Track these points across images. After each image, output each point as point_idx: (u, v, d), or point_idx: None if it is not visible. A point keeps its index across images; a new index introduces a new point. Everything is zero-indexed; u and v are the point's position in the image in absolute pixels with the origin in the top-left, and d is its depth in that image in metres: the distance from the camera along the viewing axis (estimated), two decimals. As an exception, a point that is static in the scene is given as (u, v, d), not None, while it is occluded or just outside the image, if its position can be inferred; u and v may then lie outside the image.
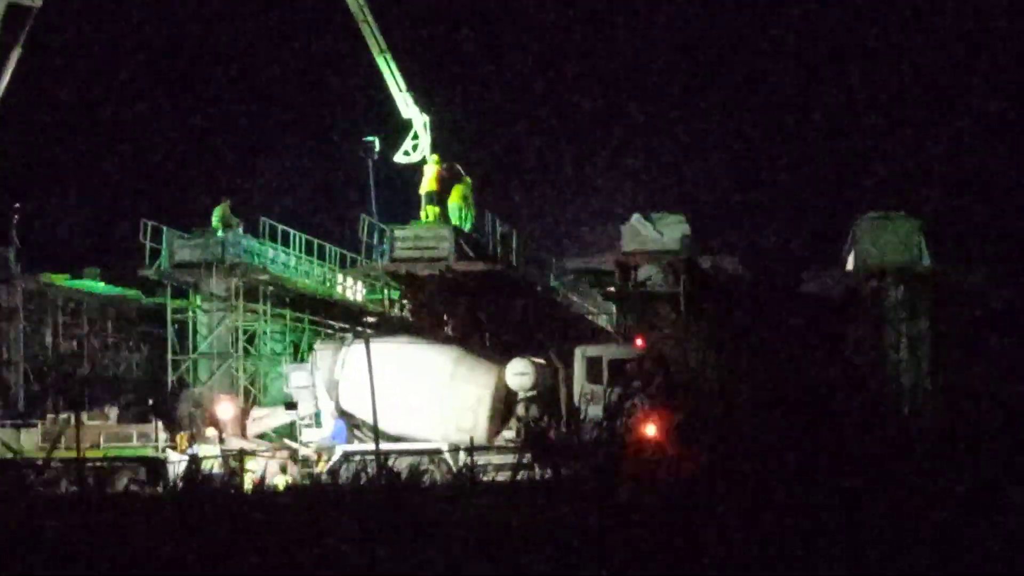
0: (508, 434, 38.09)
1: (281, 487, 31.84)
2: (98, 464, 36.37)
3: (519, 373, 38.53)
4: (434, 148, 46.79)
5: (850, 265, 46.48)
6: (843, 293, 45.76)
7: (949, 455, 14.66)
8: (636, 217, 45.67)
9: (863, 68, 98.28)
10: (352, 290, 53.14)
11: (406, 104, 46.68)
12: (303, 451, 39.37)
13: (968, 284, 45.13)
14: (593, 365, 38.04)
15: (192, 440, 38.66)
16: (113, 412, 40.87)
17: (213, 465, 35.01)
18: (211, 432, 39.82)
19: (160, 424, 39.07)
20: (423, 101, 47.29)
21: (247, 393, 46.25)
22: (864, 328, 44.67)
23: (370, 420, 34.30)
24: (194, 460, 32.35)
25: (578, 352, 38.65)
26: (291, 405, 40.52)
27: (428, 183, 45.79)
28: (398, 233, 45.61)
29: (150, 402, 40.94)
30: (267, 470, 37.45)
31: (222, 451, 38.04)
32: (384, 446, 34.81)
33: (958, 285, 45.09)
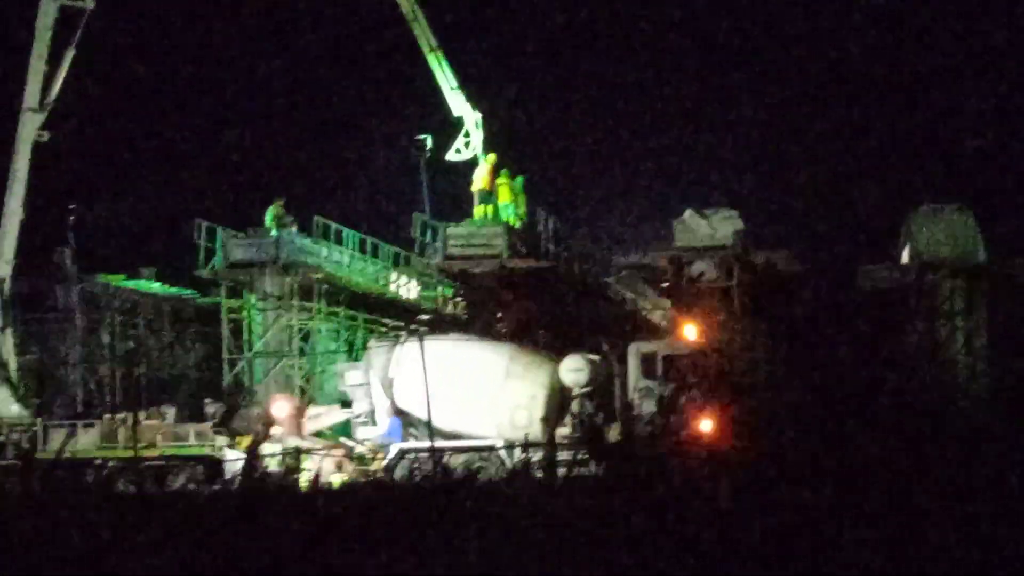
0: (563, 430, 38.11)
1: (337, 485, 32.00)
2: (155, 463, 36.60)
3: (573, 369, 38.53)
4: (486, 146, 46.80)
5: (905, 259, 46.22)
6: (898, 287, 45.50)
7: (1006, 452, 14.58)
8: (689, 212, 45.57)
9: (918, 59, 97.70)
10: (406, 288, 53.23)
11: (457, 102, 46.69)
12: (359, 449, 39.48)
13: (1025, 277, 44.78)
14: (647, 361, 38.04)
15: (255, 444, 38.80)
16: (170, 411, 41.10)
17: (269, 464, 35.21)
18: (277, 430, 39.92)
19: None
20: (474, 98, 47.30)
21: (302, 392, 46.40)
22: (920, 322, 44.41)
23: (425, 418, 34.39)
24: (251, 459, 32.53)
25: (632, 348, 38.63)
26: (346, 403, 40.65)
27: (480, 180, 45.83)
28: (451, 231, 45.65)
29: (210, 414, 40.99)
30: (323, 468, 37.56)
31: (253, 449, 38.09)
32: (439, 443, 34.89)
33: (1015, 278, 44.75)
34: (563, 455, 33.28)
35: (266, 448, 38.23)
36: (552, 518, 13.95)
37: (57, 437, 39.15)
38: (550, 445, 35.47)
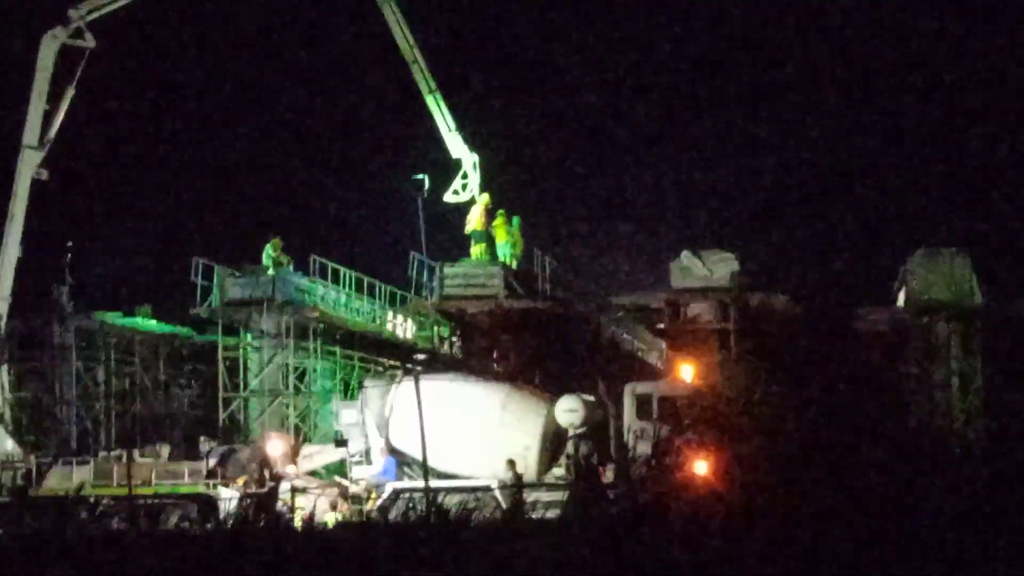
0: (558, 471, 38.05)
1: (331, 524, 31.94)
2: (149, 501, 36.53)
3: (569, 410, 38.51)
4: (482, 186, 46.89)
5: (901, 302, 46.28)
6: (894, 330, 45.55)
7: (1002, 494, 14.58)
8: (685, 254, 45.63)
9: (915, 105, 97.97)
10: (402, 327, 53.20)
11: (456, 144, 46.80)
12: (353, 488, 39.40)
13: (1021, 320, 44.83)
14: (643, 402, 38.01)
15: (257, 483, 38.75)
16: (165, 449, 41.04)
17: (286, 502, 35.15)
18: (291, 469, 39.83)
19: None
20: (472, 141, 47.42)
21: (297, 430, 46.33)
22: (915, 365, 44.44)
23: (420, 457, 34.33)
24: (245, 498, 32.49)
25: (628, 389, 38.61)
26: (341, 442, 40.59)
27: (475, 222, 45.93)
28: (448, 271, 45.72)
29: (204, 452, 40.91)
30: (317, 507, 37.47)
31: (272, 489, 38.03)
32: (434, 483, 34.82)
33: (1010, 321, 44.80)
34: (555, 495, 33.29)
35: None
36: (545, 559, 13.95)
37: (53, 475, 39.11)
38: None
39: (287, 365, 46.97)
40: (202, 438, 42.77)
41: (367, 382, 42.76)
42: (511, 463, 37.22)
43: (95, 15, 43.72)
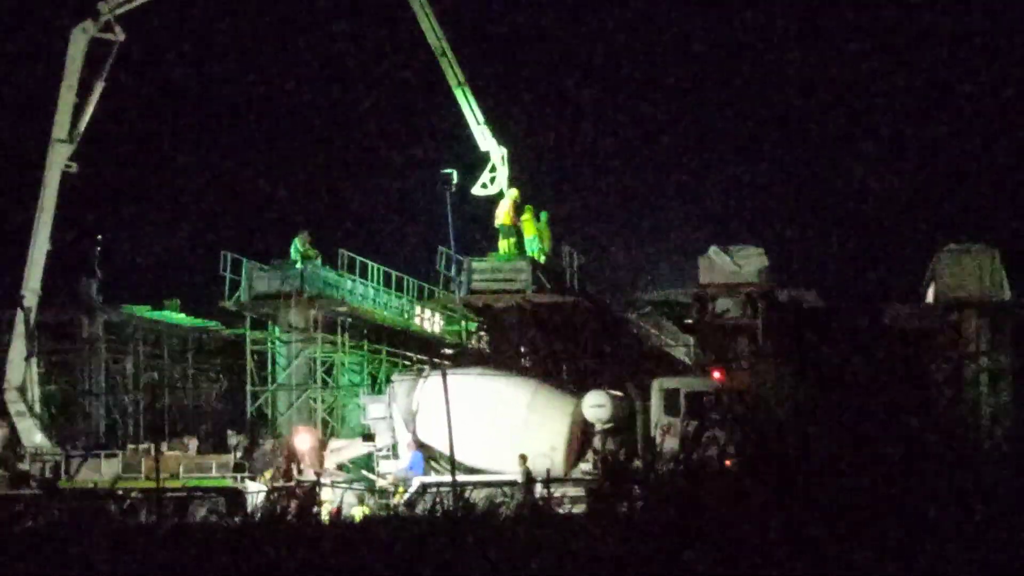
0: (585, 466, 38.02)
1: (358, 518, 31.96)
2: (177, 494, 36.62)
3: (596, 405, 38.48)
4: (511, 181, 46.84)
5: (930, 298, 46.12)
6: (923, 326, 45.37)
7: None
8: (714, 249, 45.53)
9: (945, 100, 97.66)
10: (430, 322, 53.27)
11: (484, 137, 46.74)
12: (380, 482, 39.44)
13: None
14: (670, 397, 37.96)
15: (284, 476, 38.84)
16: (192, 443, 41.15)
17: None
18: (328, 466, 39.91)
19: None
20: (501, 134, 47.37)
21: (325, 424, 46.41)
22: (944, 361, 44.25)
23: (447, 452, 34.35)
24: (273, 491, 32.49)
25: (655, 384, 38.56)
26: (368, 436, 40.63)
27: (503, 216, 45.87)
28: (476, 265, 45.69)
29: (232, 445, 41.01)
30: (344, 501, 37.53)
31: (298, 482, 38.11)
32: (461, 478, 34.83)
33: (1040, 317, 44.60)
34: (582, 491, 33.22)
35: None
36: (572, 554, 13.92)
37: (81, 467, 39.31)
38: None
39: (315, 359, 47.05)
40: (230, 432, 42.87)
41: (395, 377, 42.80)
42: (523, 458, 37.20)
43: (124, 8, 43.79)
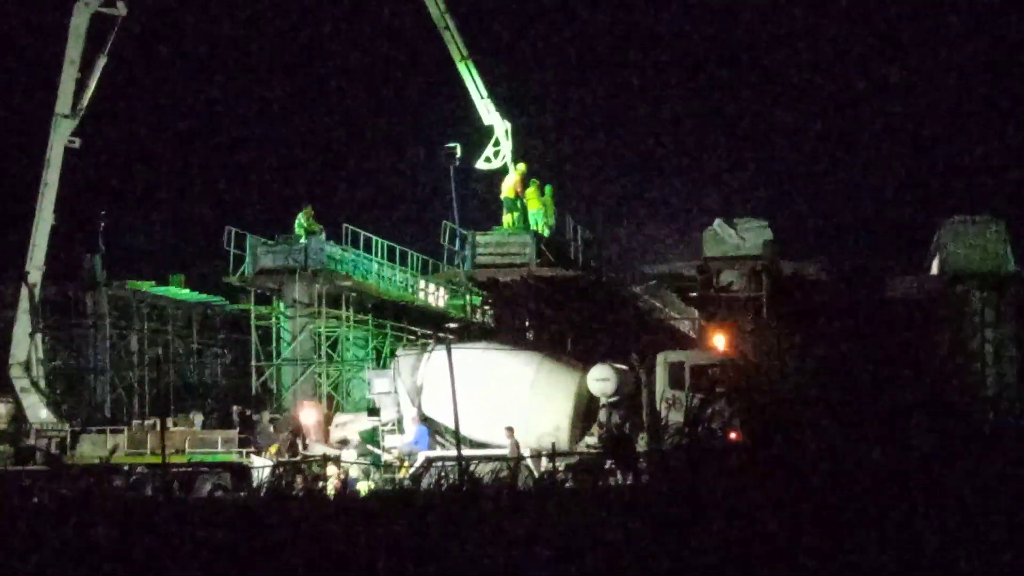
0: (590, 440, 38.05)
1: (363, 492, 32.01)
2: (183, 470, 36.68)
3: (601, 379, 38.49)
4: (516, 155, 46.79)
5: (935, 270, 46.11)
6: (928, 298, 45.37)
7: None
8: (718, 222, 45.53)
9: (947, 75, 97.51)
10: (434, 296, 53.31)
11: (487, 111, 46.64)
12: (386, 457, 39.49)
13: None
14: (675, 371, 37.93)
15: (289, 451, 38.95)
16: (198, 418, 41.22)
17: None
18: (332, 441, 39.97)
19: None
20: (504, 107, 47.30)
21: (330, 399, 46.48)
22: (949, 333, 44.28)
23: (452, 426, 34.37)
24: (279, 466, 32.57)
25: (660, 358, 38.55)
26: (374, 411, 40.67)
27: (508, 189, 45.85)
28: (480, 239, 45.66)
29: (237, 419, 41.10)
30: (349, 475, 37.59)
31: (304, 456, 38.21)
32: (466, 452, 34.86)
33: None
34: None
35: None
36: (580, 527, 13.94)
37: (87, 442, 39.39)
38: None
39: (319, 334, 47.11)
40: (234, 407, 42.95)
41: (399, 351, 42.82)
42: (509, 430, 37.24)
43: (127, -18, 43.71)
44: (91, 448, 38.72)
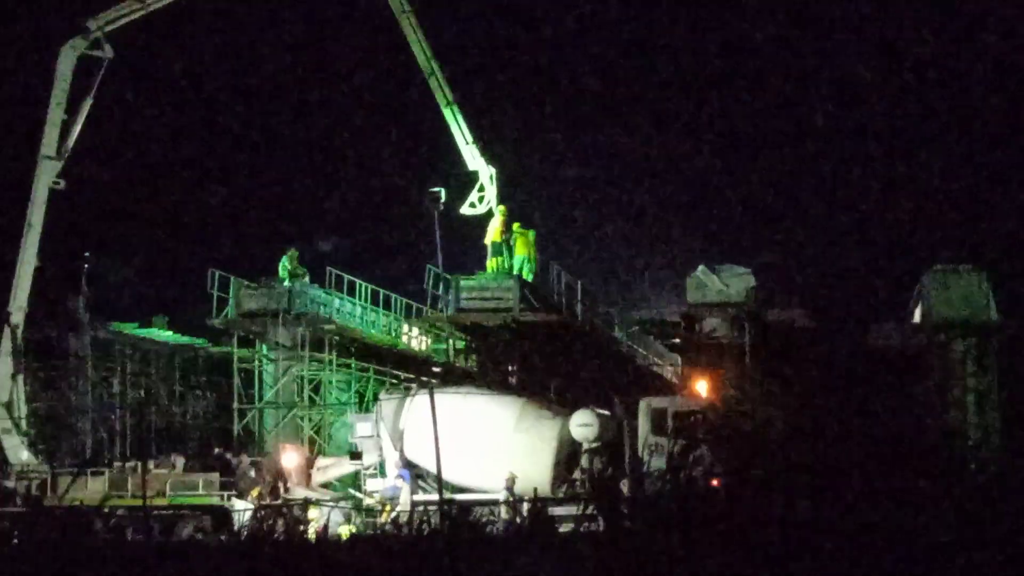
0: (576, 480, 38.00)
1: (345, 536, 31.90)
2: (164, 512, 36.56)
3: (583, 424, 38.48)
4: (500, 200, 46.88)
5: (917, 318, 46.17)
6: (910, 347, 45.41)
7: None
8: (702, 269, 45.59)
9: (932, 123, 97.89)
10: (417, 340, 53.24)
11: (472, 156, 46.79)
12: (367, 501, 39.40)
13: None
14: (658, 417, 37.91)
15: (271, 495, 38.83)
16: (179, 460, 41.09)
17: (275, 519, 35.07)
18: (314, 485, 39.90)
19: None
20: (489, 153, 47.41)
21: (312, 442, 46.34)
22: (931, 382, 44.29)
23: (434, 470, 34.33)
24: (259, 509, 32.47)
25: (643, 404, 38.54)
26: (356, 455, 40.59)
27: (493, 234, 45.91)
28: (463, 284, 45.67)
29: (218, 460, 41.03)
30: (330, 519, 37.47)
31: (286, 501, 38.10)
32: (446, 496, 34.77)
33: (1027, 339, 44.67)
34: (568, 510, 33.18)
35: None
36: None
37: (68, 485, 39.22)
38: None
39: (302, 377, 46.99)
40: (217, 450, 42.84)
41: (382, 395, 42.78)
42: (510, 479, 37.19)
43: (114, 26, 43.87)
44: (72, 491, 38.56)
